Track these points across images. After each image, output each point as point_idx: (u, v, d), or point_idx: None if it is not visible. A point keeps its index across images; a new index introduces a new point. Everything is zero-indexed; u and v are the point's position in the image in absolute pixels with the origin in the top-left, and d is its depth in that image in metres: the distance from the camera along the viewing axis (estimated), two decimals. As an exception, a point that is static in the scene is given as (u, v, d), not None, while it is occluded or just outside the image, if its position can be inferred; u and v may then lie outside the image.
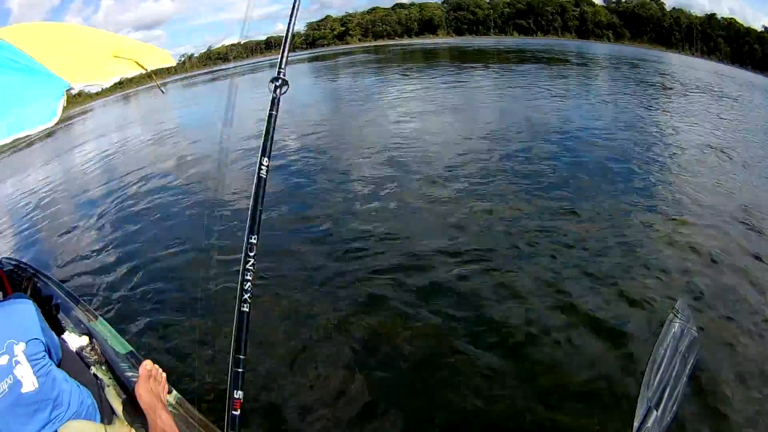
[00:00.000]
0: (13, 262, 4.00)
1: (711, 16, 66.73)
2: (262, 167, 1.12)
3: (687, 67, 33.95)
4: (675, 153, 9.42)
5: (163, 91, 2.01)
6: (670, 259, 5.05)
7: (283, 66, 1.34)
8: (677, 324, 2.74)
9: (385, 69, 33.97)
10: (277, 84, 1.33)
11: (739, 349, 3.71)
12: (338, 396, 3.50)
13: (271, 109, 1.29)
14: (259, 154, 1.18)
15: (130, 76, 1.85)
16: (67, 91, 1.45)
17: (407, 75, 27.71)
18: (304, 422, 3.32)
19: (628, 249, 5.30)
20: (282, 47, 1.42)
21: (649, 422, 2.29)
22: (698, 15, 68.39)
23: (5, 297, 2.58)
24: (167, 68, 2.23)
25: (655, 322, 3.83)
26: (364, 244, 5.87)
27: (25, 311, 1.85)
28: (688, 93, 18.76)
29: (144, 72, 1.89)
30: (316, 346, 4.13)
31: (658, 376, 2.49)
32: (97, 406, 2.01)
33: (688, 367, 2.60)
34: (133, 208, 8.93)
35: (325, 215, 7.04)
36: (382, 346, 4.03)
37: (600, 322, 4.05)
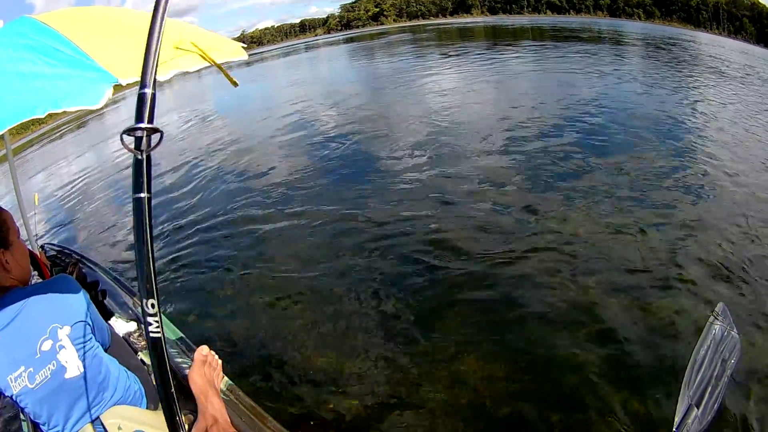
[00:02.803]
0: (57, 248, 3.96)
1: (735, -5, 64.23)
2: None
3: (719, 46, 32.15)
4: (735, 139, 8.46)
5: (236, 84, 1.71)
6: (716, 257, 4.60)
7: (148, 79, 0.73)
8: (718, 326, 2.66)
9: (425, 48, 32.82)
10: (140, 135, 0.72)
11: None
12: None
13: (137, 180, 0.72)
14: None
15: (192, 70, 1.57)
16: (115, 85, 1.34)
17: (448, 54, 26.40)
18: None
19: (674, 242, 4.87)
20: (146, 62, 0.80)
21: (690, 419, 2.22)
22: (723, -6, 65.69)
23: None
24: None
25: (698, 321, 3.55)
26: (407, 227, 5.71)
27: (70, 293, 1.76)
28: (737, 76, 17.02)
29: (211, 66, 1.61)
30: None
31: (699, 375, 2.41)
32: (143, 391, 1.98)
33: (728, 369, 2.51)
34: (178, 195, 8.72)
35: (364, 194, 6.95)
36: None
37: (642, 315, 3.84)
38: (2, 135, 3.78)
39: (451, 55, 24.96)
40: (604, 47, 25.68)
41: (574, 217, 5.56)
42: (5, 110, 1.26)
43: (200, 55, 1.58)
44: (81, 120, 33.43)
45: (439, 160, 8.01)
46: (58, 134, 30.94)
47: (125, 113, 29.27)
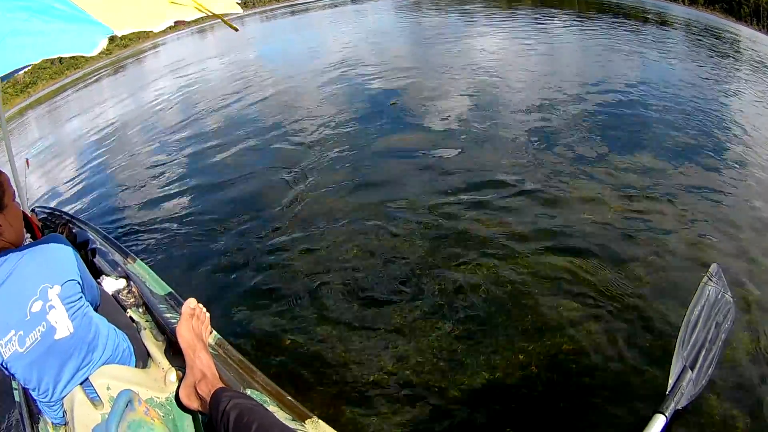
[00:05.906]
0: (47, 210, 3.98)
1: (774, -4, 62.10)
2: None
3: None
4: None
5: (236, 29, 1.76)
6: (712, 220, 4.51)
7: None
8: (711, 288, 2.52)
9: (474, 7, 31.04)
10: None
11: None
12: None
13: None
14: None
15: (188, 19, 1.60)
16: (109, 37, 1.34)
17: (505, 17, 23.75)
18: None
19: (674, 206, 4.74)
20: None
21: (684, 381, 2.15)
22: (764, -7, 63.32)
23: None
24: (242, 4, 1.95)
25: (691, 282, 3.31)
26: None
27: (60, 252, 1.72)
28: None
29: (208, 15, 1.65)
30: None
31: (693, 336, 2.32)
32: (132, 349, 1.96)
33: (722, 332, 2.43)
34: (177, 153, 8.54)
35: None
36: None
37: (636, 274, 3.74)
38: None
39: (509, 19, 22.50)
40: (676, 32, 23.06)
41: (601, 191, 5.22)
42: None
43: (196, 8, 1.59)
44: (119, 64, 32.83)
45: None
46: (93, 78, 30.54)
47: (164, 59, 28.92)
